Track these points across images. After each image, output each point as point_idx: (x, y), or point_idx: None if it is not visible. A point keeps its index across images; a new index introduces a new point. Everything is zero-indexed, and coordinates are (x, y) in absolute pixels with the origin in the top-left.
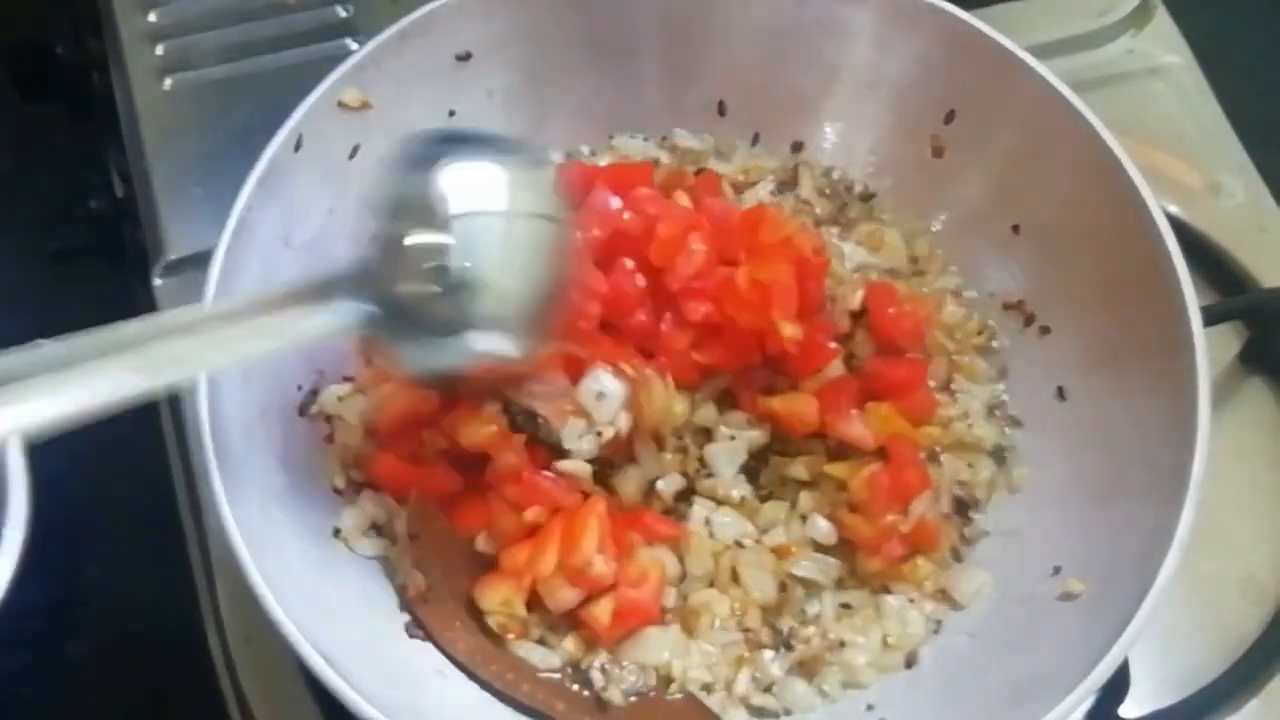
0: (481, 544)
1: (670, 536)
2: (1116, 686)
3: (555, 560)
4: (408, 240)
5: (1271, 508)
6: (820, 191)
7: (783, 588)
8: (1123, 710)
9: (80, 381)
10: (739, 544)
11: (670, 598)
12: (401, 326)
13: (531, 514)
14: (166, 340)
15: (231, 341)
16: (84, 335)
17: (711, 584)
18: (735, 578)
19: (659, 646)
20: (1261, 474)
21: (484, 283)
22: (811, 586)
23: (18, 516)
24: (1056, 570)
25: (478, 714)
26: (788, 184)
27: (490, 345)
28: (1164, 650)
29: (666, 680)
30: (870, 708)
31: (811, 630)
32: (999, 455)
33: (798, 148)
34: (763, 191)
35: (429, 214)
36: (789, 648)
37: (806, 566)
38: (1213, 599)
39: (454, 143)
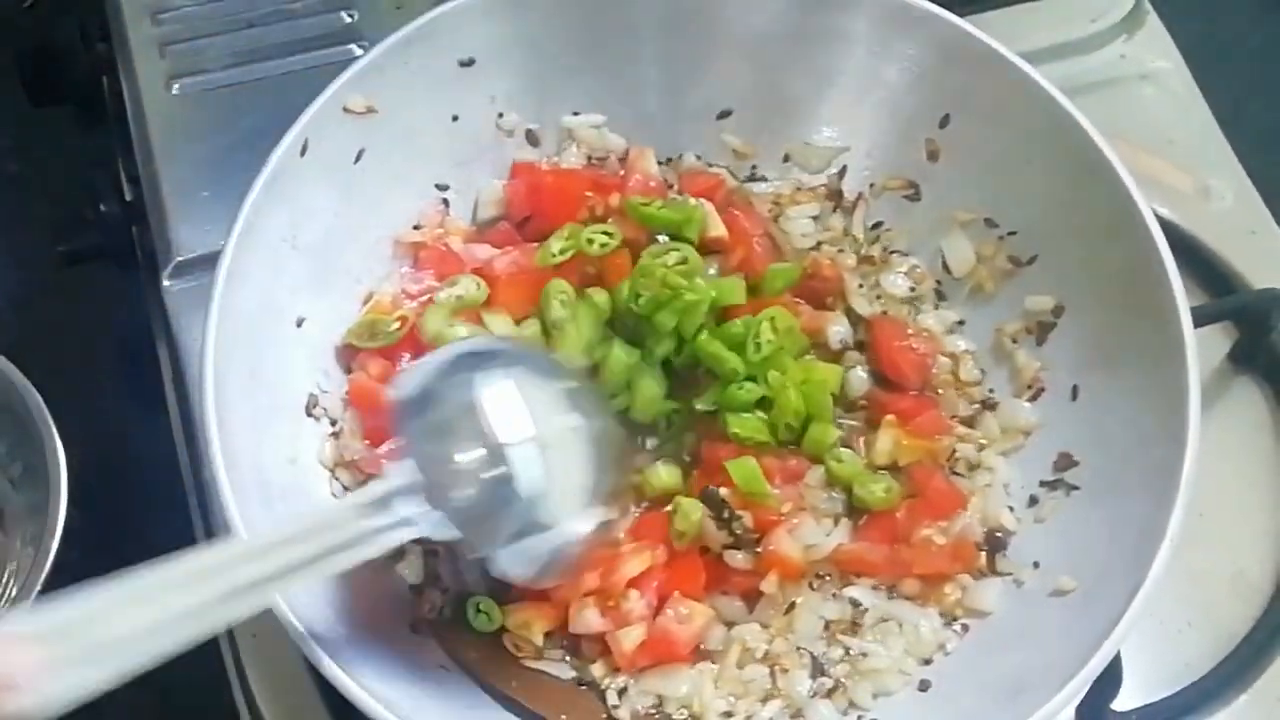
0: None
1: (747, 588)
2: (1109, 681)
3: (593, 583)
4: (459, 459)
5: (1261, 504)
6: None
7: (826, 626)
8: (1115, 704)
9: (153, 618)
10: (810, 586)
11: (714, 640)
12: (471, 533)
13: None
14: (239, 568)
15: (308, 564)
16: (151, 571)
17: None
18: (789, 611)
19: (681, 681)
20: (1251, 471)
21: (533, 495)
22: (860, 612)
23: (56, 516)
24: (1047, 564)
25: (480, 710)
26: (830, 208)
27: (551, 541)
28: (1156, 645)
29: (682, 708)
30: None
31: (840, 653)
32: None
33: (841, 175)
34: (804, 218)
35: (478, 436)
36: (823, 673)
37: (860, 593)
38: (1204, 594)
39: (483, 358)
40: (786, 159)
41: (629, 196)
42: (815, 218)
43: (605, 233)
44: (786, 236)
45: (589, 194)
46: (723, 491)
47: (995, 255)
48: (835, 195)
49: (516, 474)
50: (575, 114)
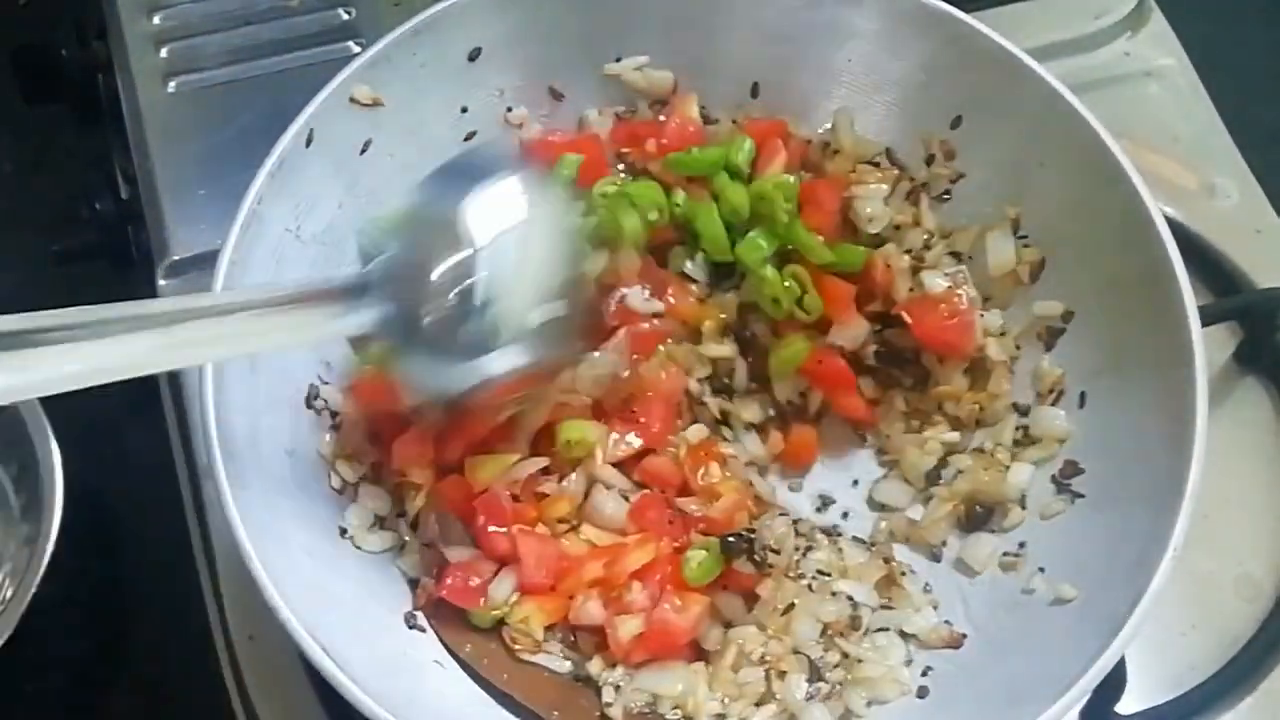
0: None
1: (747, 586)
2: (1113, 684)
3: (597, 574)
4: (437, 263)
5: (1266, 505)
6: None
7: (824, 630)
8: (1119, 707)
9: (95, 353)
10: (810, 588)
11: (711, 641)
12: (417, 347)
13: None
14: (184, 325)
15: (249, 334)
16: (105, 309)
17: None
18: (788, 612)
19: (675, 680)
20: (1256, 472)
21: (506, 296)
22: (857, 616)
23: (52, 517)
24: (1048, 573)
25: (474, 706)
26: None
27: (509, 363)
28: (1160, 647)
29: (676, 708)
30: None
31: (837, 657)
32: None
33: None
34: (875, 199)
35: (455, 238)
36: (820, 678)
37: (856, 590)
38: (1208, 596)
39: (467, 171)
40: None
41: (666, 148)
42: (886, 200)
43: (610, 182)
44: (858, 218)
45: (625, 150)
46: None
47: None
48: (905, 177)
49: (487, 266)
50: (617, 59)
